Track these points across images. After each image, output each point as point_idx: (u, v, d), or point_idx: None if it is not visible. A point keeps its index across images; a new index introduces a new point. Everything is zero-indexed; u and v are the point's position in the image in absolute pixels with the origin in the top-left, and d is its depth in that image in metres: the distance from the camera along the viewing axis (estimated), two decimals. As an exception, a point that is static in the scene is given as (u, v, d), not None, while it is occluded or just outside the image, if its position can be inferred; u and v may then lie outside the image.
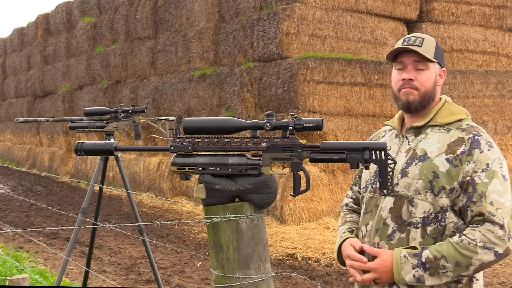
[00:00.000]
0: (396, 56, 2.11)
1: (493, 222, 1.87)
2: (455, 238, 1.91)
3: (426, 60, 2.04)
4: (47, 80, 17.37)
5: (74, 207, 10.40)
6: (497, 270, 6.14)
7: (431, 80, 2.06)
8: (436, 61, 2.06)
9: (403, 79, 2.05)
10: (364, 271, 2.04)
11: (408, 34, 10.32)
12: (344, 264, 2.16)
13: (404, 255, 1.93)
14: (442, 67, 2.11)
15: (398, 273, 1.93)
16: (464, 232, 1.91)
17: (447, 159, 1.96)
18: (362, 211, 2.17)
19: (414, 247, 1.95)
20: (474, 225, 1.91)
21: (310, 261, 6.53)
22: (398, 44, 2.09)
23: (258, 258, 1.71)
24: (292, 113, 1.79)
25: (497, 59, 11.66)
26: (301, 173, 1.77)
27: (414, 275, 1.91)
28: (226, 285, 1.68)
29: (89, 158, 13.99)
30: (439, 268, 1.89)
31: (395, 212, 2.02)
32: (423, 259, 1.91)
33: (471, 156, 1.94)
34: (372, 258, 2.03)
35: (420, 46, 2.03)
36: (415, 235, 1.98)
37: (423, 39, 2.05)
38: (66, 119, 4.53)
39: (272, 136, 1.77)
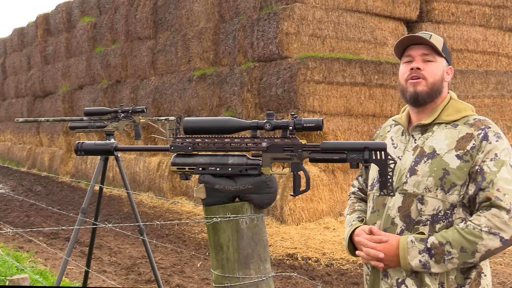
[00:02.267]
0: (403, 51, 2.12)
1: (499, 207, 1.86)
2: (461, 224, 1.91)
3: (434, 52, 2.06)
4: (47, 80, 17.37)
5: (74, 207, 10.40)
6: (497, 270, 6.13)
7: (439, 72, 2.07)
8: (444, 56, 2.08)
9: (411, 69, 2.06)
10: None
11: (408, 34, 10.37)
12: (353, 254, 2.16)
13: (411, 240, 1.93)
14: (449, 65, 2.13)
15: (404, 258, 1.93)
16: (470, 218, 1.91)
17: (457, 156, 1.96)
18: (369, 209, 2.16)
19: (422, 233, 1.95)
20: (480, 211, 1.90)
21: (310, 261, 6.53)
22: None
23: (258, 258, 1.70)
24: (292, 113, 1.79)
25: (497, 59, 11.66)
26: (301, 173, 1.77)
27: (420, 260, 1.91)
28: (226, 285, 1.68)
29: (89, 158, 13.99)
30: (444, 254, 1.88)
31: (404, 211, 2.02)
32: (428, 245, 1.90)
33: (481, 148, 1.95)
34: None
35: (429, 39, 2.05)
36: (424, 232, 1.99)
37: (431, 34, 2.08)
38: (66, 119, 4.53)
39: (272, 136, 1.76)
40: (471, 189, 1.94)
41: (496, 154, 1.93)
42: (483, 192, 1.91)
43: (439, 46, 2.06)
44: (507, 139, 11.33)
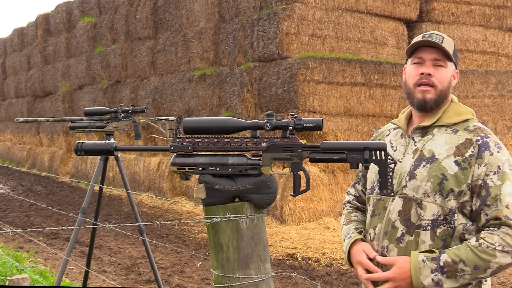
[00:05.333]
0: (413, 51, 2.07)
1: (510, 226, 1.87)
2: (473, 242, 1.89)
3: (445, 57, 2.02)
4: (47, 80, 17.37)
5: (74, 207, 10.40)
6: (497, 270, 6.13)
7: (448, 78, 2.04)
8: (454, 61, 2.05)
9: (422, 73, 2.02)
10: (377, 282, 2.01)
11: (408, 34, 10.38)
12: (353, 265, 2.14)
13: (422, 260, 1.91)
14: (456, 69, 2.10)
15: (417, 278, 1.91)
16: (482, 236, 1.89)
17: (455, 162, 1.95)
18: (369, 213, 2.14)
19: (431, 251, 1.93)
20: (491, 228, 1.89)
21: (310, 261, 6.53)
22: (418, 39, 2.05)
23: (258, 258, 1.70)
24: (292, 113, 1.79)
25: (497, 59, 11.66)
26: (301, 173, 1.76)
27: (433, 279, 1.89)
28: (226, 285, 1.68)
29: (89, 158, 13.99)
30: (457, 272, 1.88)
31: (404, 215, 2.00)
32: (441, 263, 1.89)
33: (481, 159, 1.92)
34: (385, 267, 2.01)
35: (441, 43, 2.00)
36: (425, 237, 1.96)
37: (443, 37, 2.02)
38: (66, 119, 4.53)
39: (272, 136, 1.76)
40: (476, 204, 1.93)
41: (498, 167, 1.92)
42: (490, 209, 1.90)
43: (450, 50, 2.01)
44: (507, 139, 11.24)
